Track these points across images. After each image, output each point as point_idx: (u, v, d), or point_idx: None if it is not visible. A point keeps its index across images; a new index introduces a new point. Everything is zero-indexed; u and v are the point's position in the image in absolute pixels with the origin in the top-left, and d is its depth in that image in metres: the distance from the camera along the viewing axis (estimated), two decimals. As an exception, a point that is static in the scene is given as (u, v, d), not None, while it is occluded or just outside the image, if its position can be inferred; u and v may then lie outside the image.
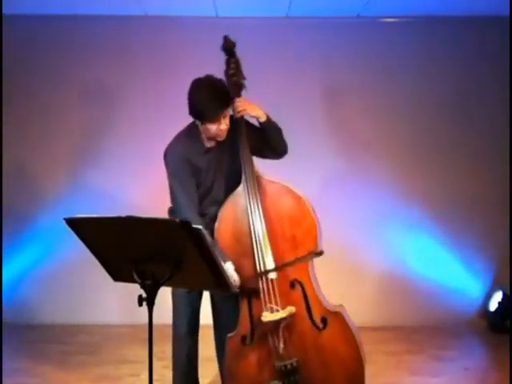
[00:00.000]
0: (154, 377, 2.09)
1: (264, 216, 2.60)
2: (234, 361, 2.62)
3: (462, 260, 4.78)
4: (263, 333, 2.56)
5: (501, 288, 4.68)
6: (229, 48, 2.78)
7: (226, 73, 2.78)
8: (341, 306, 2.67)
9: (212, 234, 2.67)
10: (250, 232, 2.60)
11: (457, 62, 4.80)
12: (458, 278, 4.79)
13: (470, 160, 4.80)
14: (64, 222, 2.03)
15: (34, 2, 4.46)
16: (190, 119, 2.74)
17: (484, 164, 4.79)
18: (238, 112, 2.72)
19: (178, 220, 1.89)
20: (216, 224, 2.69)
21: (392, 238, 4.75)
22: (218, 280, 2.06)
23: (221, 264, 2.03)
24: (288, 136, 2.85)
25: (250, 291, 2.59)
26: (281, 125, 2.82)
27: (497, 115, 4.78)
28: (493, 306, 4.67)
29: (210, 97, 2.56)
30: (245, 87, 2.79)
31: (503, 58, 4.67)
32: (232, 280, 2.40)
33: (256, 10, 4.58)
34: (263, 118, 2.73)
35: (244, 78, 2.79)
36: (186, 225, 1.90)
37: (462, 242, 4.76)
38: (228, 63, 2.79)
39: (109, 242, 2.08)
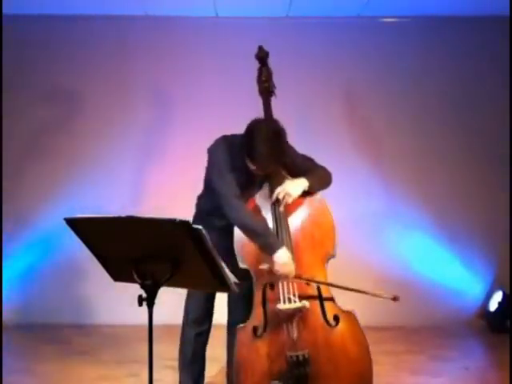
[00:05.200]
0: (154, 377, 2.09)
1: (286, 213, 2.72)
2: (243, 352, 2.63)
3: (462, 260, 4.78)
4: (276, 323, 2.61)
5: (501, 288, 4.68)
6: (262, 57, 2.99)
7: (259, 79, 2.97)
8: (352, 310, 2.73)
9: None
10: (273, 227, 2.69)
11: (457, 62, 4.79)
12: (458, 278, 4.79)
13: (470, 160, 4.80)
14: (64, 221, 2.03)
15: (34, 2, 4.46)
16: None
17: (484, 164, 4.79)
18: (283, 203, 2.70)
19: (177, 220, 1.89)
20: None
21: (392, 237, 4.75)
22: (217, 280, 2.06)
23: (221, 264, 2.03)
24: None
25: (268, 283, 2.66)
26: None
27: (497, 115, 4.77)
28: (493, 306, 4.67)
29: (268, 155, 2.58)
30: (275, 95, 2.94)
31: (503, 58, 4.67)
32: (232, 281, 2.39)
33: (256, 10, 4.58)
34: (307, 189, 2.75)
35: (274, 87, 2.95)
36: (185, 225, 1.90)
37: (462, 242, 4.75)
38: (260, 71, 2.98)
39: (109, 242, 2.07)
